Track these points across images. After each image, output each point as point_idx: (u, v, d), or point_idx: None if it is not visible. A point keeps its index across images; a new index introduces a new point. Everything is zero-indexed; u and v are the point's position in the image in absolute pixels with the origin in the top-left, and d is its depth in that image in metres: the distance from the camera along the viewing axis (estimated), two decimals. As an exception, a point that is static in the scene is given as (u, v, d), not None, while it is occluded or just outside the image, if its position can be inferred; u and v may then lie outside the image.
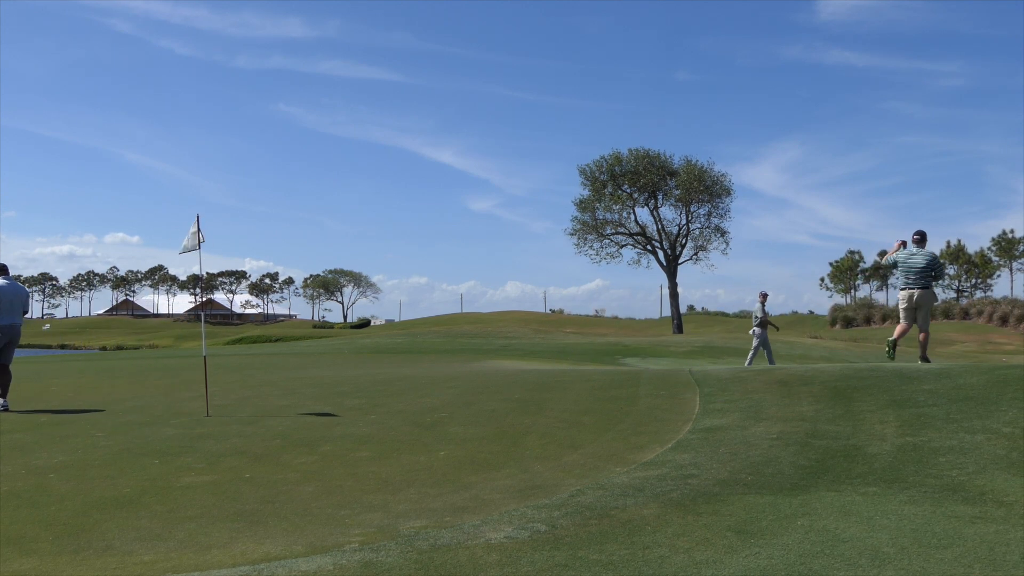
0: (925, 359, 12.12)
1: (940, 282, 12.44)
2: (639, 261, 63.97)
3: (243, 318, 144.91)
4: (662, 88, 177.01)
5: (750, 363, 17.74)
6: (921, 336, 12.08)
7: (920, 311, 11.98)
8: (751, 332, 18.55)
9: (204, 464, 6.85)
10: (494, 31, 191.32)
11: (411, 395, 11.06)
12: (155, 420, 9.33)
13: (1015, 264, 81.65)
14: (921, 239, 12.02)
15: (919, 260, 11.87)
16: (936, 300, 12.13)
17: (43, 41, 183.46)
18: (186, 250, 10.13)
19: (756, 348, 18.30)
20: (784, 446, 6.99)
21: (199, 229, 10.03)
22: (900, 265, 12.02)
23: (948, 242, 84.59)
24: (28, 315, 11.44)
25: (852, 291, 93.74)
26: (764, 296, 18.74)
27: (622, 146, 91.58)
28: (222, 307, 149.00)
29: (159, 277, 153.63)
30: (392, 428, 8.46)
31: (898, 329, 12.16)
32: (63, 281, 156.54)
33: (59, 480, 6.29)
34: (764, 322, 18.28)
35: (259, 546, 4.55)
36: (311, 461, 6.92)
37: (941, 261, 12.24)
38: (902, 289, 12.05)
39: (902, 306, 12.15)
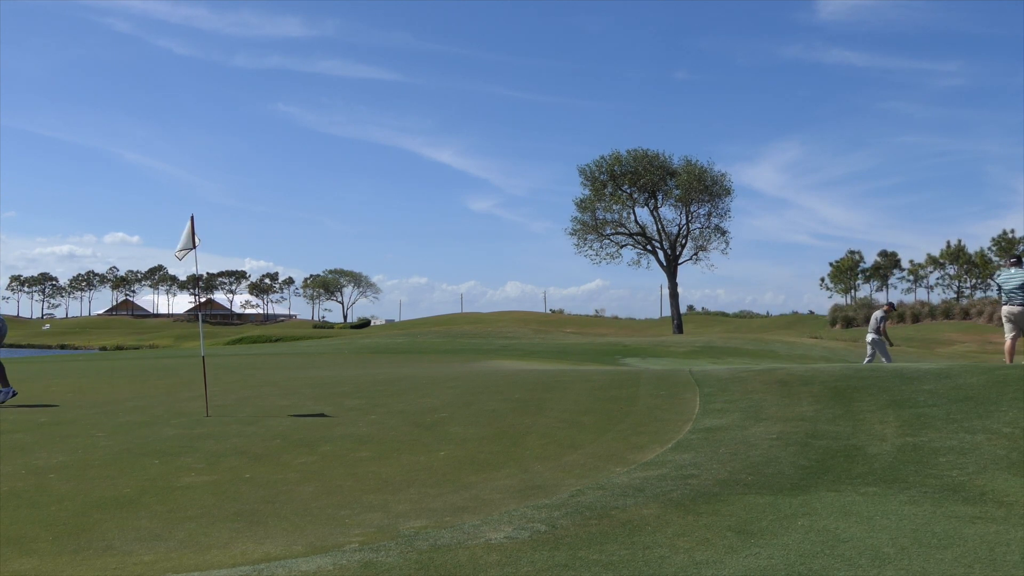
0: None
1: None
2: (639, 261, 64.01)
3: (243, 318, 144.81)
4: (662, 88, 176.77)
5: (868, 362, 18.34)
6: None
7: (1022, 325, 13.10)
8: (868, 339, 19.27)
9: (204, 464, 6.84)
10: (494, 31, 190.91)
11: (411, 395, 11.06)
12: (155, 420, 9.33)
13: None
14: (1017, 261, 13.30)
15: (1017, 279, 13.04)
16: None
17: (42, 41, 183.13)
18: (182, 250, 9.97)
19: (872, 355, 18.87)
20: (784, 446, 6.99)
21: (193, 231, 9.91)
22: (1003, 286, 13.21)
23: (948, 242, 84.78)
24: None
25: (852, 291, 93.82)
26: (888, 308, 19.94)
27: (622, 146, 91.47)
28: (222, 307, 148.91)
29: (159, 277, 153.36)
30: (392, 428, 8.46)
31: (1007, 345, 13.18)
32: (63, 281, 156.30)
33: (59, 480, 6.28)
34: (881, 331, 19.06)
35: (259, 546, 4.55)
36: (311, 461, 6.92)
37: None
38: (1005, 305, 13.15)
39: (1007, 322, 13.23)
